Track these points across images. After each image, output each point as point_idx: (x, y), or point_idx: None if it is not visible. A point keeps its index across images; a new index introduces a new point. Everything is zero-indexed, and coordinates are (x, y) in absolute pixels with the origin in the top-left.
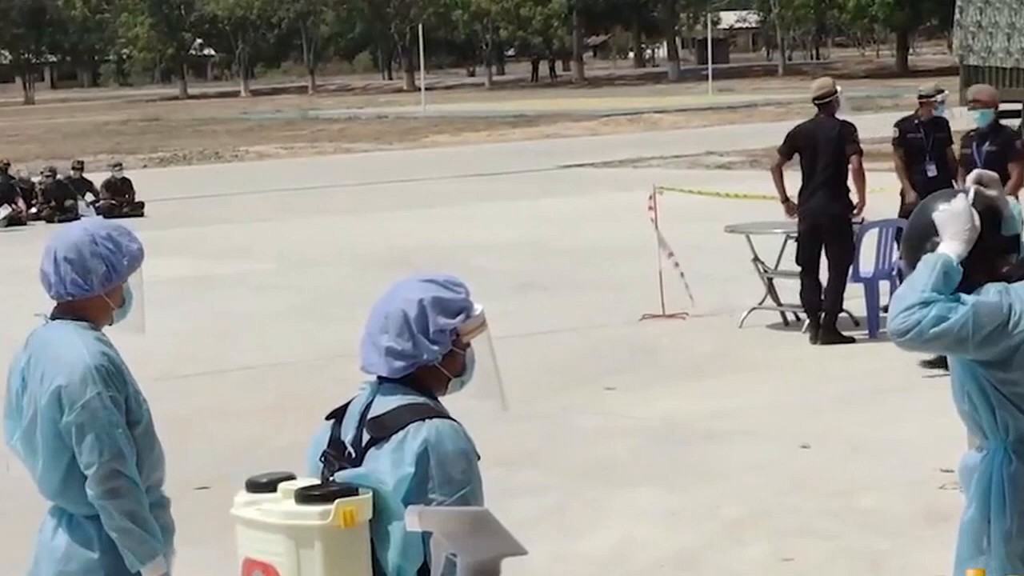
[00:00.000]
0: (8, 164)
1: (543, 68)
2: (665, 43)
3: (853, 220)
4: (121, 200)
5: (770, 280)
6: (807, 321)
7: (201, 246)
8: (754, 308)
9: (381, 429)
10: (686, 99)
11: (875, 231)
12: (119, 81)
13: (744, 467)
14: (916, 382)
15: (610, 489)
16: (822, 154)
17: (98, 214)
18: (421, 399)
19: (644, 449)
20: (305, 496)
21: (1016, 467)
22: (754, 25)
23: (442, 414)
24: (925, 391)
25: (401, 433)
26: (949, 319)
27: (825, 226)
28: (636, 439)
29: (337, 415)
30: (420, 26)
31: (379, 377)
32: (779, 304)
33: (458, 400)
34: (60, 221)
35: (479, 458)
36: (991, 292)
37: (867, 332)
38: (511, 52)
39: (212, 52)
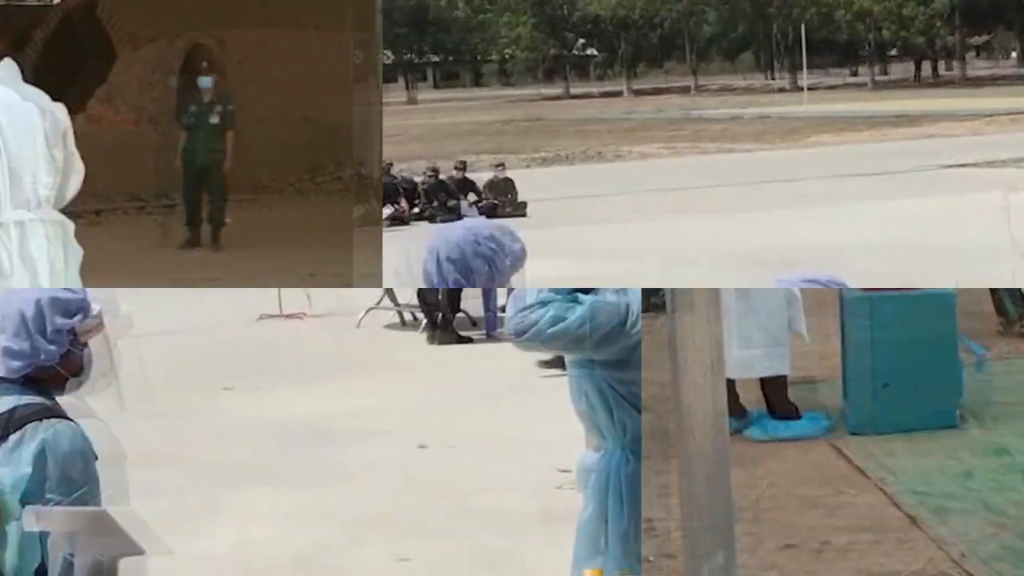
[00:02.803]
0: (391, 165)
1: (925, 68)
2: None
3: None
4: (503, 200)
5: None
6: (424, 321)
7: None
8: (371, 308)
9: None
10: None
11: None
12: (501, 81)
13: (362, 467)
14: (533, 382)
15: (228, 489)
16: None
17: (480, 214)
18: (39, 399)
19: (263, 450)
20: None
21: (634, 467)
22: None
23: (60, 414)
24: (542, 391)
25: (18, 434)
26: (567, 319)
27: None
28: (255, 440)
29: None
30: (803, 26)
31: None
32: (396, 304)
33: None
34: (442, 221)
35: (97, 458)
36: (608, 293)
37: (485, 332)
38: (893, 52)
39: (594, 52)
